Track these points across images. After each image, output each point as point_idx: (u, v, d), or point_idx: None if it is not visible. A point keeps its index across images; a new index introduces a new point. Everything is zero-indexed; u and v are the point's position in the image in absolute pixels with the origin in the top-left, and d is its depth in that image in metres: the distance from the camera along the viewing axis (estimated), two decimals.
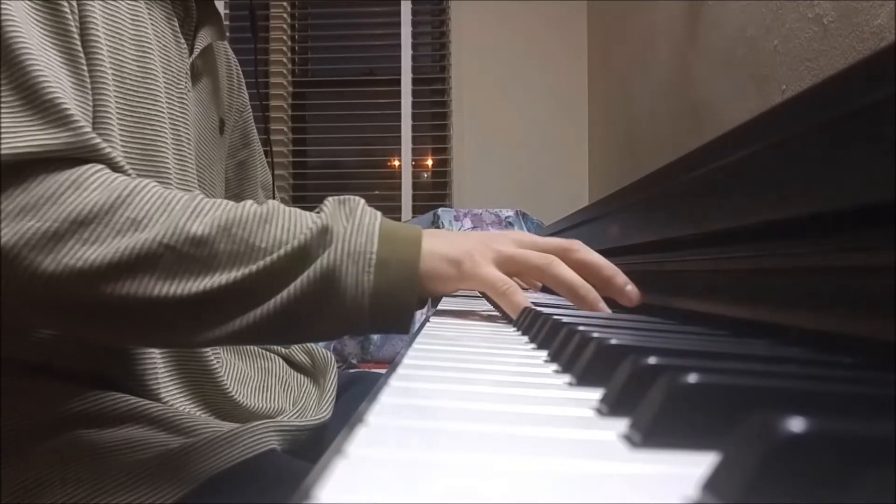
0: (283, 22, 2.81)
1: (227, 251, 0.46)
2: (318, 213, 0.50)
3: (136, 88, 0.58)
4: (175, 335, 0.49)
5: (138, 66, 0.59)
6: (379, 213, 0.51)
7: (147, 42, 0.60)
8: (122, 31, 0.58)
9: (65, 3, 0.51)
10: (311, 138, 2.98)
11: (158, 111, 0.60)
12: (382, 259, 0.48)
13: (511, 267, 0.55)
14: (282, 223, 0.48)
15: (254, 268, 0.46)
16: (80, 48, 0.52)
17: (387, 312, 0.48)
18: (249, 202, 0.50)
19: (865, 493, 0.13)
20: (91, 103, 0.53)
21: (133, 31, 0.59)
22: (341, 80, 2.99)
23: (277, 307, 0.46)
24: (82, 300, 0.45)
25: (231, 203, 0.49)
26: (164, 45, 0.63)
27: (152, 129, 0.59)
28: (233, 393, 0.64)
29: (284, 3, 2.82)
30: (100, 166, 0.47)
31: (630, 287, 0.56)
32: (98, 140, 0.48)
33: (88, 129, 0.47)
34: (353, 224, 0.49)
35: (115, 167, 0.49)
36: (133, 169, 0.57)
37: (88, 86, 0.53)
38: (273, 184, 0.90)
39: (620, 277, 0.57)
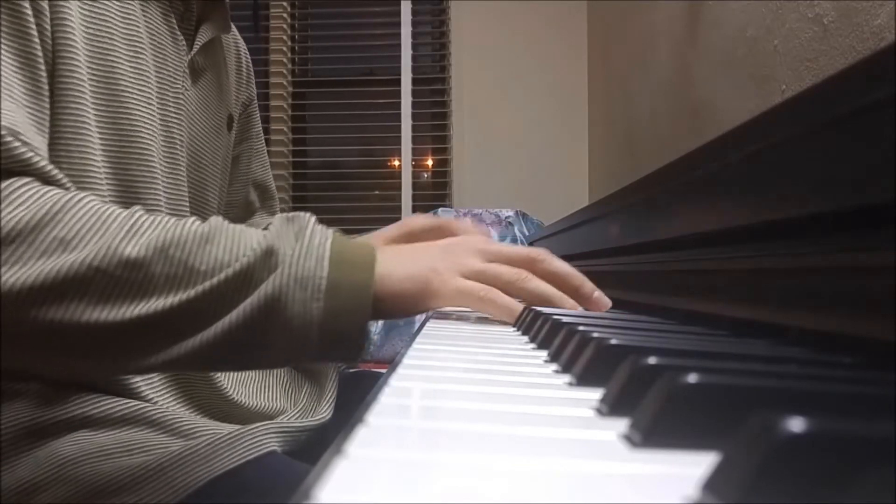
0: (283, 22, 2.81)
1: (164, 274, 0.43)
2: (265, 231, 0.47)
3: (128, 89, 0.57)
4: (107, 364, 0.46)
5: (131, 67, 0.57)
6: (330, 232, 0.48)
7: (139, 41, 0.59)
8: (111, 31, 0.56)
9: (27, 4, 0.49)
10: (311, 138, 2.97)
11: (150, 113, 0.59)
12: (333, 284, 0.45)
13: (481, 281, 0.53)
14: (224, 243, 0.45)
15: (192, 292, 0.43)
16: (38, 52, 0.50)
17: (337, 342, 0.45)
18: (192, 219, 0.46)
19: (865, 493, 0.13)
20: (47, 109, 0.50)
21: (124, 31, 0.57)
22: (341, 80, 2.98)
23: (218, 335, 0.43)
24: (4, 327, 0.42)
25: (173, 220, 0.46)
26: (158, 44, 0.62)
27: (139, 131, 0.57)
28: (232, 394, 0.64)
29: (284, 3, 2.81)
30: (27, 179, 0.44)
31: (598, 294, 0.57)
32: (26, 150, 0.45)
33: (16, 140, 0.44)
34: (301, 245, 0.46)
35: (49, 180, 0.46)
36: (116, 173, 0.56)
37: (45, 91, 0.50)
38: (268, 184, 0.87)
39: (588, 285, 0.57)
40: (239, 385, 0.66)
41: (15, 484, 0.50)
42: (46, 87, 0.50)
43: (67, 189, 0.46)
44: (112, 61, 0.56)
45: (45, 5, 0.50)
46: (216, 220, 0.47)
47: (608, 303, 0.57)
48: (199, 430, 0.55)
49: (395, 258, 0.51)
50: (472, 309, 0.53)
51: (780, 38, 1.14)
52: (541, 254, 0.56)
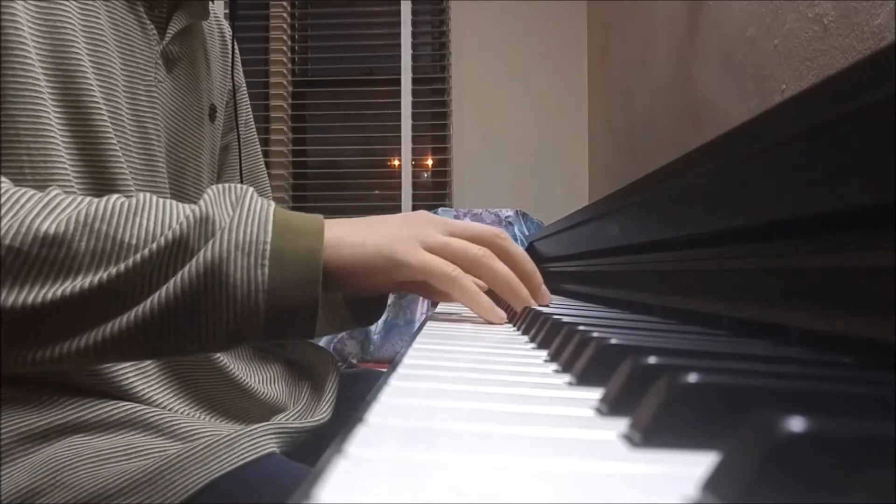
0: (283, 22, 2.81)
1: (89, 249, 0.40)
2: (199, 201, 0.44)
3: (90, 84, 0.54)
4: (32, 351, 0.41)
5: (91, 61, 0.55)
6: (273, 202, 0.45)
7: (100, 34, 0.56)
8: (67, 27, 0.53)
9: None
10: (311, 138, 2.97)
11: (115, 107, 0.57)
12: (278, 250, 0.42)
13: (443, 255, 0.50)
14: (153, 214, 0.42)
15: (122, 266, 0.40)
16: None
17: (286, 314, 0.42)
18: (115, 196, 0.43)
19: (865, 493, 0.13)
20: None
21: (83, 25, 0.55)
22: (341, 80, 2.99)
23: (153, 311, 0.40)
24: None
25: (94, 198, 0.43)
26: (124, 35, 0.59)
27: (106, 128, 0.55)
28: (246, 381, 0.63)
29: (284, 3, 2.81)
30: None
31: (544, 288, 0.56)
32: None
33: None
34: (240, 212, 0.43)
35: None
36: (89, 171, 0.54)
37: None
38: (259, 174, 0.84)
39: (538, 276, 0.56)
40: (244, 373, 0.66)
41: (13, 489, 0.50)
42: None
43: None
44: (70, 57, 0.53)
45: None
46: (144, 195, 0.44)
47: (549, 297, 0.57)
48: (196, 433, 0.55)
49: (348, 227, 0.48)
50: (436, 285, 0.50)
51: (780, 38, 1.14)
52: (501, 232, 0.55)
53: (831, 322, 0.32)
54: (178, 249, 0.41)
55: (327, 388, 0.75)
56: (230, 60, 0.80)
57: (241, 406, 0.64)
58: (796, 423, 0.14)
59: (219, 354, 0.62)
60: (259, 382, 0.67)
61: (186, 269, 0.41)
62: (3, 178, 0.44)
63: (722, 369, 0.25)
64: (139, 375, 0.57)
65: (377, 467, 0.16)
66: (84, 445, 0.52)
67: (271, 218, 0.43)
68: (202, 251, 0.41)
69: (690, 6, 1.55)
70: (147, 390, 0.57)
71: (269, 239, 0.42)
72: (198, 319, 0.41)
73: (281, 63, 2.80)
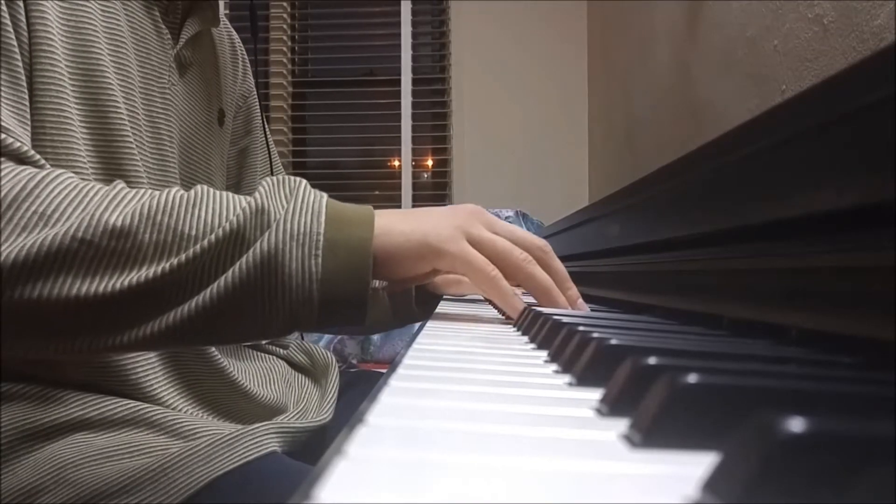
0: (283, 22, 2.81)
1: (153, 241, 0.42)
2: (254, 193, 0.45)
3: (111, 83, 0.56)
4: (100, 338, 0.43)
5: (112, 60, 0.57)
6: (325, 194, 0.46)
7: (120, 35, 0.58)
8: (90, 26, 0.55)
9: (2, 2, 0.48)
10: (311, 138, 2.97)
11: (132, 107, 0.58)
12: (331, 240, 0.43)
13: (485, 252, 0.51)
14: (211, 206, 0.44)
15: (183, 257, 0.42)
16: (14, 45, 0.49)
17: (339, 302, 0.43)
18: (175, 188, 0.45)
19: (865, 493, 0.13)
20: (26, 100, 0.50)
21: (105, 25, 0.57)
22: (341, 80, 2.99)
23: (212, 299, 0.42)
24: None
25: (154, 190, 0.45)
26: (141, 38, 0.61)
27: (123, 125, 0.56)
28: (245, 384, 0.64)
29: (284, 3, 2.81)
30: (2, 160, 0.43)
31: (581, 301, 0.57)
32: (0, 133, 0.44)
33: None
34: (294, 203, 0.44)
35: (23, 159, 0.45)
36: (104, 167, 0.55)
37: (23, 82, 0.50)
38: (272, 170, 0.85)
39: (575, 290, 0.57)
40: (244, 375, 0.66)
41: (16, 486, 0.50)
42: (24, 79, 0.50)
43: (43, 167, 0.45)
44: (92, 56, 0.55)
45: (20, 3, 0.50)
46: (201, 187, 0.45)
47: (588, 309, 0.58)
48: (199, 431, 0.55)
49: (394, 217, 0.49)
50: (473, 280, 0.51)
51: (780, 38, 1.14)
52: (547, 245, 0.56)
53: (831, 322, 0.32)
54: (235, 240, 0.43)
55: (328, 388, 0.76)
56: (240, 67, 0.81)
57: (242, 407, 0.64)
58: (796, 424, 0.14)
59: (220, 356, 0.62)
60: (259, 385, 0.67)
61: (244, 259, 0.42)
62: (71, 173, 0.45)
63: (722, 369, 0.25)
64: (145, 372, 0.57)
65: (377, 467, 0.16)
66: (86, 443, 0.52)
67: (324, 209, 0.44)
68: (258, 242, 0.42)
69: (690, 6, 1.55)
70: (154, 386, 0.57)
71: (321, 230, 0.43)
72: (255, 307, 0.43)
73: (281, 63, 2.80)
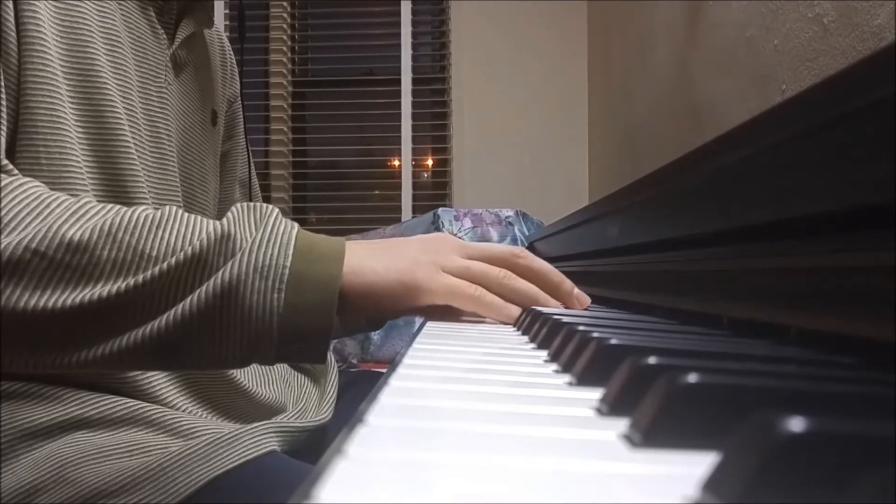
0: (283, 22, 2.81)
1: (111, 258, 0.41)
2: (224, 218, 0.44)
3: (108, 82, 0.56)
4: (47, 355, 0.42)
5: (108, 60, 0.57)
6: (295, 224, 0.45)
7: (116, 35, 0.58)
8: (85, 26, 0.55)
9: None
10: (311, 138, 2.97)
11: (130, 106, 0.58)
12: (297, 276, 0.42)
13: (466, 278, 0.51)
14: (176, 228, 0.43)
15: (140, 278, 0.41)
16: None
17: (298, 339, 0.42)
18: (143, 207, 0.44)
19: (865, 493, 0.13)
20: (3, 100, 0.49)
21: (100, 25, 0.57)
22: (341, 80, 2.98)
23: (168, 325, 0.41)
24: None
25: (123, 207, 0.44)
26: (137, 37, 0.61)
27: (121, 124, 0.56)
28: (245, 383, 0.64)
29: (284, 3, 2.81)
30: None
31: (577, 291, 0.56)
32: None
33: None
34: (263, 233, 0.43)
35: None
36: (101, 167, 0.55)
37: (1, 83, 0.49)
38: (251, 181, 0.86)
39: (567, 283, 0.56)
40: (244, 374, 0.66)
41: (16, 485, 0.50)
42: (1, 81, 0.49)
43: (13, 175, 0.44)
44: (88, 55, 0.55)
45: (10, 3, 0.50)
46: (170, 208, 0.44)
47: (587, 299, 0.57)
48: (198, 430, 0.55)
49: (368, 251, 0.48)
50: (460, 307, 0.51)
51: (780, 38, 1.14)
52: (521, 251, 0.55)
53: (831, 322, 0.32)
54: (197, 265, 0.42)
55: (327, 388, 0.76)
56: (228, 71, 0.81)
57: (241, 406, 0.64)
58: (796, 423, 0.14)
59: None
60: (259, 385, 0.67)
61: (204, 287, 0.41)
62: (38, 182, 0.44)
63: (722, 369, 0.25)
64: (144, 372, 0.57)
65: (377, 467, 0.16)
66: (86, 442, 0.52)
67: (293, 241, 0.43)
68: (221, 271, 0.41)
69: (690, 6, 1.55)
70: (154, 385, 0.57)
71: (288, 263, 0.42)
72: (211, 338, 0.42)
73: (281, 63, 2.80)
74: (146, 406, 0.55)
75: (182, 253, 0.41)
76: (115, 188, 0.57)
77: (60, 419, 0.53)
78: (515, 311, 0.53)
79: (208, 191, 0.73)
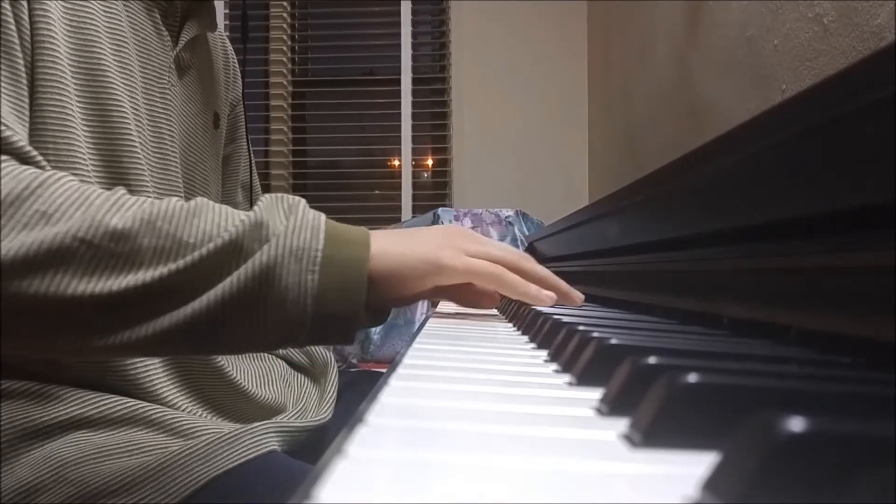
0: (283, 22, 2.81)
1: (151, 246, 0.42)
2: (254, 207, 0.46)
3: (113, 81, 0.56)
4: (91, 339, 0.43)
5: (115, 59, 0.57)
6: (322, 214, 0.47)
7: (122, 35, 0.59)
8: (92, 25, 0.56)
9: (5, 3, 0.49)
10: (311, 138, 2.97)
11: (135, 105, 0.59)
12: (328, 258, 0.44)
13: (485, 260, 0.53)
14: (211, 217, 0.44)
15: (181, 263, 0.42)
16: (16, 42, 0.50)
17: (331, 319, 0.44)
18: (175, 198, 0.46)
19: (865, 493, 0.13)
20: (26, 97, 0.50)
21: (107, 24, 0.57)
22: (341, 80, 2.98)
23: (207, 307, 0.42)
24: None
25: (154, 199, 0.46)
26: (142, 38, 0.62)
27: (126, 123, 0.57)
28: (244, 385, 0.64)
29: (284, 3, 2.81)
30: (4, 157, 0.43)
31: (575, 292, 0.59)
32: (3, 129, 0.45)
33: None
34: (294, 220, 0.45)
35: (27, 160, 0.46)
36: (105, 164, 0.56)
37: (23, 80, 0.50)
38: (252, 184, 0.87)
39: (563, 284, 0.59)
40: (245, 378, 0.66)
41: (15, 485, 0.50)
42: (24, 76, 0.50)
43: (45, 169, 0.45)
44: (95, 55, 0.55)
45: (24, 2, 0.51)
46: (200, 199, 0.46)
47: (581, 296, 0.60)
48: (198, 430, 0.55)
49: (390, 237, 0.50)
50: (480, 284, 0.53)
51: (780, 38, 1.14)
52: (527, 256, 0.58)
53: (831, 322, 0.32)
54: (233, 251, 0.43)
55: (327, 388, 0.76)
56: (231, 74, 0.82)
57: (241, 406, 0.64)
58: (796, 423, 0.14)
59: (219, 357, 0.62)
60: (259, 385, 0.67)
61: (242, 269, 0.43)
62: (72, 175, 0.45)
63: (722, 369, 0.25)
64: (145, 371, 0.57)
65: (377, 467, 0.16)
66: (86, 441, 0.52)
67: (323, 227, 0.45)
68: (258, 254, 0.43)
69: (690, 6, 1.55)
70: (154, 385, 0.57)
71: (320, 247, 0.44)
72: (249, 318, 0.43)
73: (281, 63, 2.80)
74: (146, 406, 0.55)
75: (220, 238, 0.43)
76: (118, 185, 0.57)
77: (60, 419, 0.53)
78: (534, 289, 0.55)
79: (210, 193, 0.73)
